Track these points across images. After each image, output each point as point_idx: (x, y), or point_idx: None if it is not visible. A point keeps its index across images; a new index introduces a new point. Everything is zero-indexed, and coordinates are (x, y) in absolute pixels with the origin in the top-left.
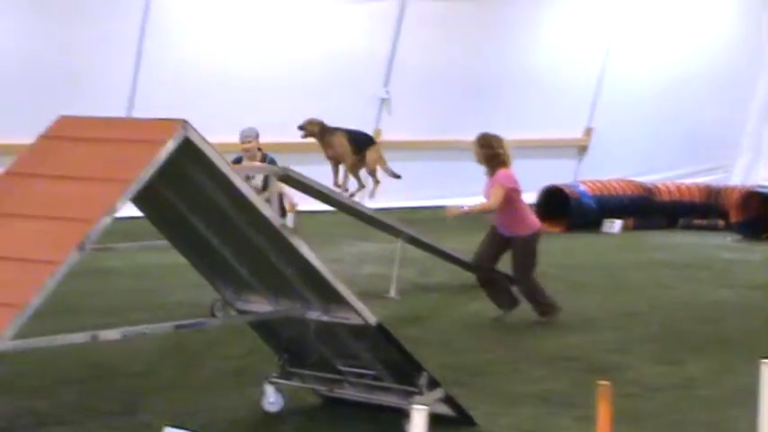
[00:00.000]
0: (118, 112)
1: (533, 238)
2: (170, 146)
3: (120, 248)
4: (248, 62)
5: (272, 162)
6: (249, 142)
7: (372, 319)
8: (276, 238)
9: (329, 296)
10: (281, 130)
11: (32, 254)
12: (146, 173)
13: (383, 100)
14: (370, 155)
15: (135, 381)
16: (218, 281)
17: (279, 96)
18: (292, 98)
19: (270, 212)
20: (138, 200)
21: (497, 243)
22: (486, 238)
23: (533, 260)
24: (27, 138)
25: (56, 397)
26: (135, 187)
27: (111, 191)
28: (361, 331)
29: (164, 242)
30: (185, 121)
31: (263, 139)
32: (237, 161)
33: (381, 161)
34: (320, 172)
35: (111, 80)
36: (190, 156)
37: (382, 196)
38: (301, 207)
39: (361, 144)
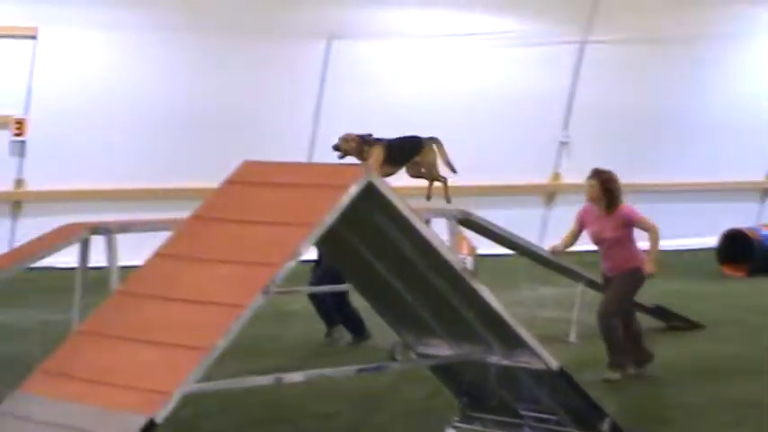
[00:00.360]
0: (299, 156)
1: (637, 273)
2: (353, 191)
3: (302, 291)
4: (427, 106)
5: None
6: None
7: (554, 364)
8: (457, 281)
9: (510, 340)
10: (464, 173)
11: (218, 297)
12: (329, 217)
13: (562, 143)
14: (423, 159)
15: (317, 423)
16: (399, 324)
17: (457, 139)
18: (470, 141)
19: (452, 256)
20: (321, 243)
21: None
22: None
23: (630, 297)
24: (212, 182)
25: None
26: (319, 231)
27: (296, 235)
28: (543, 376)
29: (345, 285)
30: (369, 166)
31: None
32: None
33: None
34: (498, 215)
35: (292, 125)
36: (372, 200)
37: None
38: (481, 251)
39: (403, 154)
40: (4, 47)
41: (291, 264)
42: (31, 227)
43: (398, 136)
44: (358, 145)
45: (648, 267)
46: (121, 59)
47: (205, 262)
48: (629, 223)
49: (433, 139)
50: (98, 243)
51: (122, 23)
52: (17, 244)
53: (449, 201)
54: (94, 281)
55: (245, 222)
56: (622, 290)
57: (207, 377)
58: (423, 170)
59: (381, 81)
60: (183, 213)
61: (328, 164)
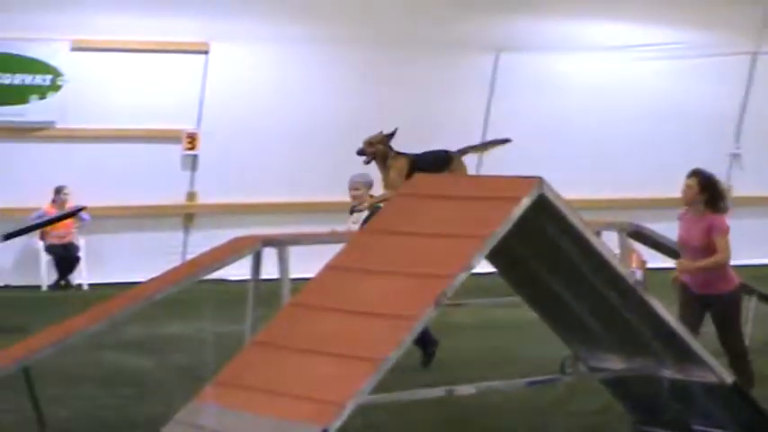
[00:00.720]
0: (468, 168)
1: (737, 295)
2: (525, 202)
3: (472, 304)
4: (596, 119)
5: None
6: (357, 189)
7: (728, 378)
8: (629, 294)
9: (683, 354)
10: (634, 186)
11: (390, 309)
12: (502, 229)
13: (734, 156)
14: (452, 173)
15: None
16: (570, 337)
17: (625, 152)
18: (638, 153)
19: (624, 269)
20: (491, 255)
21: (695, 308)
22: (681, 308)
23: (739, 320)
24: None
25: None
26: (491, 244)
27: (468, 247)
28: (716, 390)
29: (515, 298)
30: (541, 179)
31: (616, 194)
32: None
33: None
34: (667, 228)
35: (460, 137)
36: (544, 212)
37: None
38: (650, 264)
39: (429, 169)
40: (177, 62)
41: (464, 276)
42: (203, 239)
43: (425, 150)
44: (385, 147)
45: (684, 264)
46: (289, 74)
47: (377, 274)
48: (711, 231)
49: (463, 151)
50: (269, 255)
51: (290, 38)
52: (189, 256)
53: None
54: (265, 293)
55: (417, 235)
56: (735, 321)
57: (380, 388)
58: None
59: (549, 93)
60: (353, 226)
61: (500, 176)
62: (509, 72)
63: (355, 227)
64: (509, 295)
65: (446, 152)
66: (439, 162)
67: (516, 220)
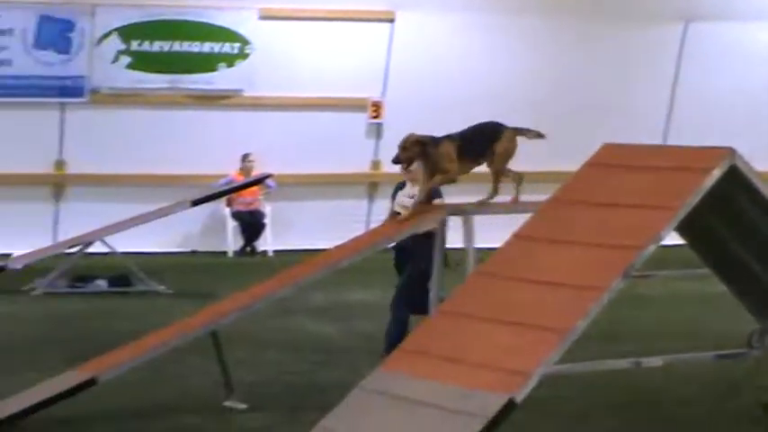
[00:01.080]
0: (654, 138)
1: None
2: (716, 174)
3: (658, 276)
4: None
5: (436, 192)
6: None
7: None
8: None
9: None
10: None
11: (577, 279)
12: (692, 200)
13: None
14: (499, 147)
15: (674, 409)
16: (759, 310)
17: None
18: None
19: None
20: (680, 227)
21: None
22: None
23: None
24: (570, 165)
25: (599, 422)
26: (681, 215)
27: (658, 219)
28: None
29: (703, 270)
30: (732, 150)
31: None
32: (401, 186)
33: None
34: None
35: (647, 108)
36: (735, 183)
37: None
38: None
39: (478, 145)
40: (363, 30)
41: (652, 248)
42: (387, 208)
43: (472, 125)
44: (421, 148)
45: None
46: (473, 42)
47: (564, 244)
48: None
49: (518, 130)
50: (454, 224)
51: (475, 6)
52: (373, 225)
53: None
54: (450, 262)
55: (606, 205)
56: None
57: (566, 359)
58: (492, 163)
59: (740, 64)
60: (540, 196)
61: (690, 147)
62: (698, 42)
63: (409, 201)
64: (695, 267)
65: (496, 124)
66: (486, 135)
67: (707, 191)
